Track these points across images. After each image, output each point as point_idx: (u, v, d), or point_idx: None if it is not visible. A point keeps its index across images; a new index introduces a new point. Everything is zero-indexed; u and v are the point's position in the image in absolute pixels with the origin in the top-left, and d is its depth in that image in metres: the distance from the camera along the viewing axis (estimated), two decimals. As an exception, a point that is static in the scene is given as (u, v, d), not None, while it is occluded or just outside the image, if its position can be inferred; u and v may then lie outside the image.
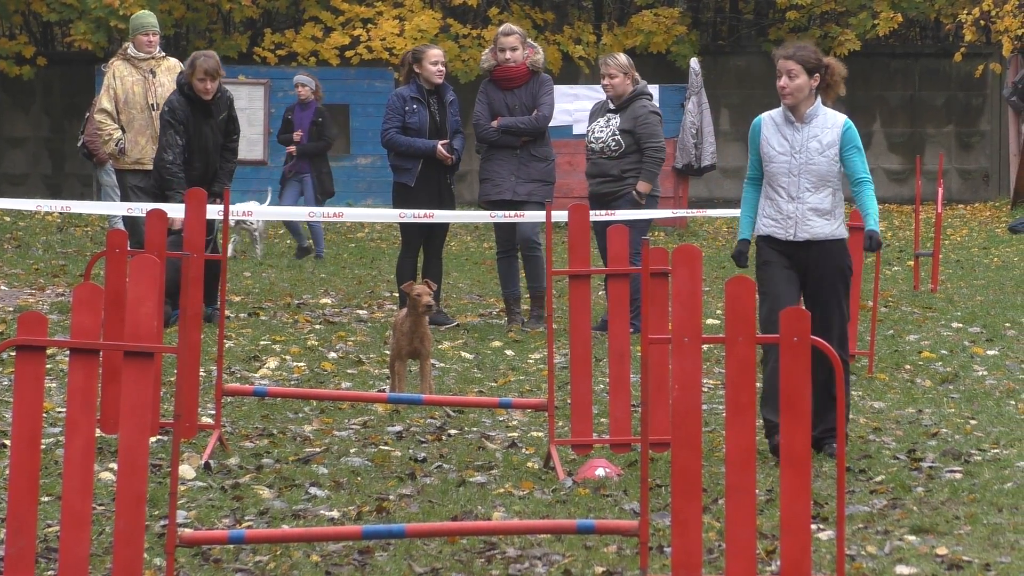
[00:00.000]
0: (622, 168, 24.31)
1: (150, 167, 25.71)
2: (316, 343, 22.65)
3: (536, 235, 25.12)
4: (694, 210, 31.99)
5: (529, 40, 27.31)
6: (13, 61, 44.76)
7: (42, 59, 45.26)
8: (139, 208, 23.96)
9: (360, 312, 26.02)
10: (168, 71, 26.38)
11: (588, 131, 24.24)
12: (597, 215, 20.40)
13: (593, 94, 28.17)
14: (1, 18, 45.04)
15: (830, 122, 11.64)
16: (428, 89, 25.11)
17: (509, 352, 22.05)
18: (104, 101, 25.92)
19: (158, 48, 26.23)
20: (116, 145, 25.71)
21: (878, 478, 14.66)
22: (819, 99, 11.89)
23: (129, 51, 26.01)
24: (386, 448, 16.32)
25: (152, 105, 25.46)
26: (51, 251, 32.08)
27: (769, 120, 11.81)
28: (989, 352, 20.86)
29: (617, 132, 24.19)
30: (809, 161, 11.24)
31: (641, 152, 24.63)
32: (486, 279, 26.13)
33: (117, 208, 25.68)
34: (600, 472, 15.16)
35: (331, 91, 27.23)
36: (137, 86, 25.61)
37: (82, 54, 43.64)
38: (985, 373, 20.24)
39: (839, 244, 12.17)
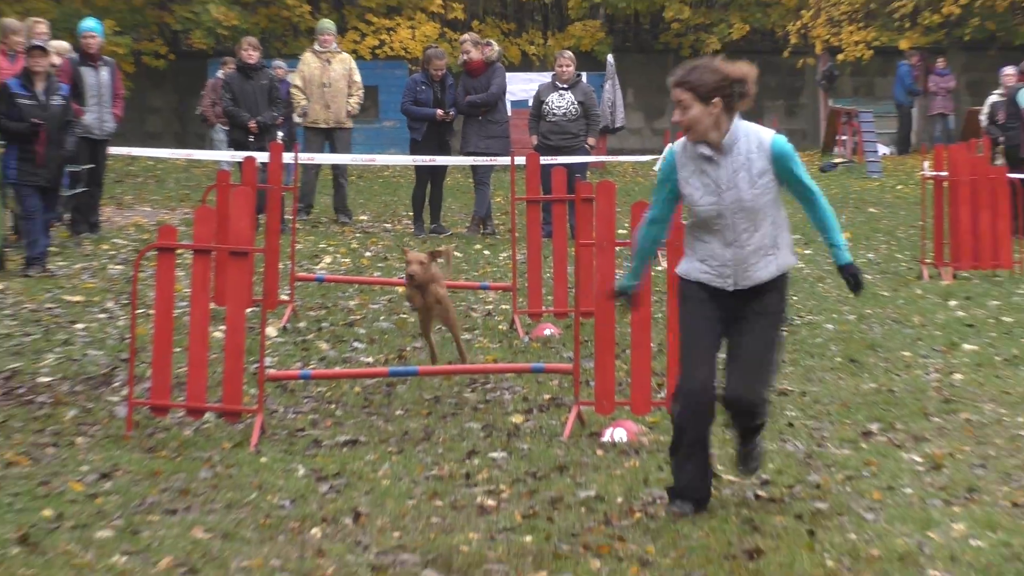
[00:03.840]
0: (577, 128, 24.17)
1: (323, 126, 25.73)
2: (356, 245, 22.48)
3: (487, 175, 25.00)
4: (610, 157, 31.69)
5: (490, 40, 27.59)
6: (152, 56, 44.57)
7: (172, 55, 45.03)
8: (232, 156, 24.00)
9: (386, 225, 25.80)
10: (341, 62, 26.16)
11: (545, 104, 24.13)
12: (546, 160, 20.25)
13: (541, 78, 28.03)
14: (144, 27, 44.84)
15: (755, 144, 8.04)
16: (434, 77, 25.10)
17: (486, 252, 21.95)
18: (296, 79, 25.76)
19: (333, 44, 26.15)
20: (301, 110, 25.67)
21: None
22: (736, 118, 8.17)
23: (315, 46, 25.92)
24: (404, 317, 16.26)
25: (325, 83, 25.27)
26: (179, 185, 31.80)
27: (683, 154, 8.14)
28: (806, 251, 20.68)
29: (574, 103, 24.06)
30: (741, 198, 7.92)
31: (588, 117, 24.46)
32: (470, 203, 25.99)
33: (222, 155, 25.50)
34: (547, 332, 15.19)
35: (366, 77, 27.06)
36: (316, 70, 25.36)
37: (198, 52, 43.47)
38: (803, 265, 20.14)
39: (782, 280, 8.49)
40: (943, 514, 9.06)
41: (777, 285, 8.38)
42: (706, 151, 8.09)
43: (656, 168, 26.72)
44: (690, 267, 8.43)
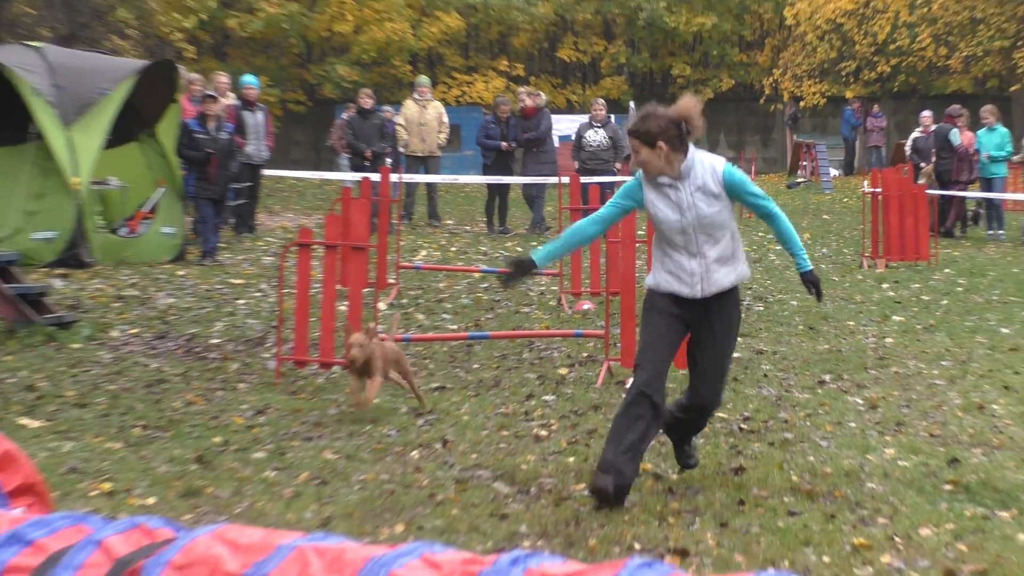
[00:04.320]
0: (608, 156, 24.14)
1: (420, 154, 25.50)
2: (444, 242, 22.46)
3: (542, 191, 25.00)
4: (631, 177, 31.57)
5: (539, 92, 27.54)
6: (295, 103, 44.57)
7: (309, 102, 45.02)
8: (353, 177, 24.03)
9: (466, 227, 25.78)
10: (433, 107, 26.03)
11: (584, 138, 24.16)
12: (585, 180, 20.18)
13: (580, 119, 27.98)
14: (289, 81, 44.90)
15: (709, 171, 7.43)
16: (501, 118, 25.08)
17: (540, 247, 21.92)
18: (400, 119, 25.53)
19: (428, 94, 26.09)
20: (403, 142, 25.48)
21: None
22: (691, 149, 7.53)
23: (414, 95, 25.84)
24: (480, 295, 16.24)
25: (422, 123, 25.20)
26: (314, 198, 31.84)
27: (648, 179, 7.55)
28: (776, 248, 20.63)
29: (605, 137, 24.05)
30: (700, 216, 7.38)
31: (615, 148, 24.40)
32: (529, 212, 26.02)
33: (346, 176, 25.48)
34: (585, 306, 15.14)
35: (451, 118, 27.15)
36: (415, 113, 25.27)
37: (328, 99, 43.35)
38: (775, 258, 20.09)
39: (737, 290, 7.89)
40: (878, 442, 9.09)
41: (734, 294, 7.75)
42: (665, 180, 7.48)
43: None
44: (660, 279, 7.63)
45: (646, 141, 7.42)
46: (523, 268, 7.93)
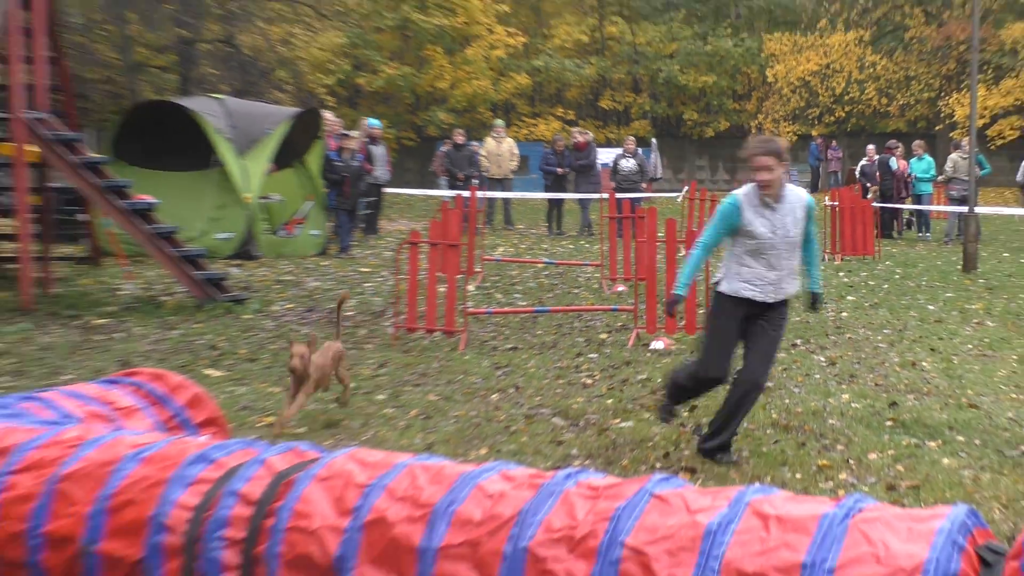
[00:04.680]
0: (637, 178, 23.97)
1: (498, 177, 25.24)
2: (516, 241, 22.34)
3: (588, 204, 24.85)
4: (653, 194, 31.26)
5: (587, 131, 27.42)
6: (407, 139, 44.51)
7: (417, 138, 44.98)
8: (449, 193, 23.98)
9: (533, 230, 25.55)
10: (507, 142, 25.81)
11: (618, 165, 24.06)
12: (620, 196, 20.05)
13: (616, 151, 27.78)
14: (403, 123, 44.86)
15: (796, 199, 6.82)
16: (557, 151, 25.01)
17: (587, 245, 21.77)
18: (483, 151, 25.38)
19: (503, 132, 25.88)
20: (485, 169, 25.14)
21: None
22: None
23: (492, 133, 25.64)
24: (543, 280, 16.17)
25: (499, 154, 25.10)
26: (421, 209, 31.64)
27: (746, 202, 6.74)
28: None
29: (636, 164, 23.95)
30: (787, 235, 6.73)
31: (642, 172, 24.32)
32: (579, 219, 25.94)
33: (444, 193, 25.38)
34: (620, 288, 15.02)
35: (520, 150, 27.06)
36: (494, 147, 25.00)
37: (431, 137, 43.08)
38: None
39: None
40: (836, 389, 9.00)
41: (789, 300, 6.99)
42: (769, 200, 6.68)
43: (679, 200, 26.58)
44: (736, 287, 6.79)
45: (781, 157, 6.74)
46: (675, 301, 7.15)
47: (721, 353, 6.89)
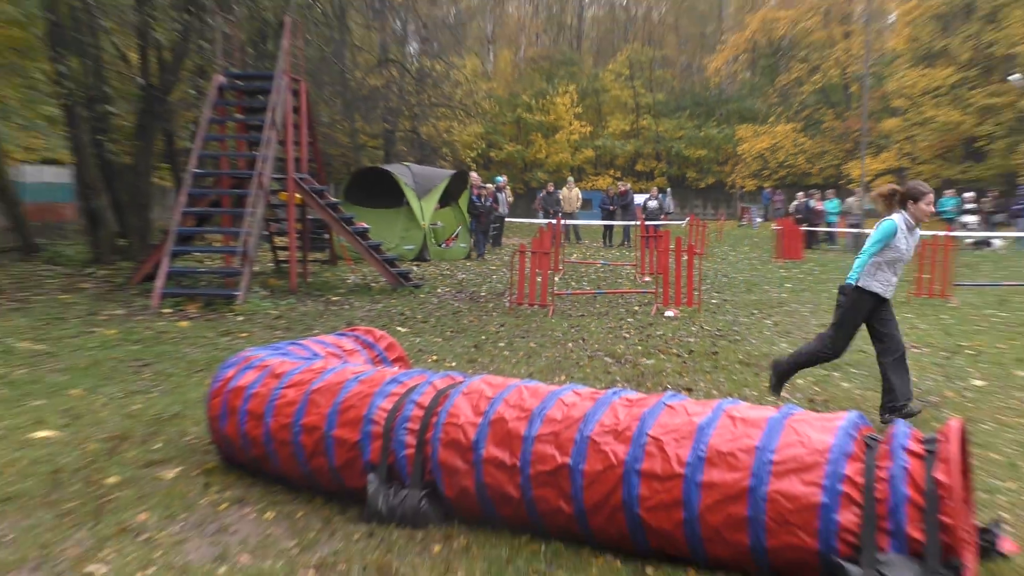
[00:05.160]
0: (657, 212, 23.51)
1: (569, 211, 24.11)
2: (584, 250, 22.09)
3: (627, 228, 24.33)
4: (667, 222, 30.57)
5: (626, 182, 26.80)
6: (520, 187, 43.52)
7: (524, 188, 43.95)
8: (543, 222, 23.64)
9: (593, 243, 25.27)
10: (575, 190, 24.37)
11: (646, 204, 23.66)
12: (647, 223, 19.76)
13: (644, 195, 27.31)
14: (518, 179, 44.51)
15: (917, 227, 5.58)
16: (609, 196, 24.73)
17: (627, 253, 21.46)
18: (561, 196, 24.26)
19: (572, 183, 24.01)
20: (563, 206, 24.19)
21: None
22: None
23: (566, 184, 24.60)
24: (601, 274, 15.90)
25: (570, 199, 23.86)
26: (526, 231, 30.73)
27: (903, 226, 5.53)
28: (734, 253, 19.88)
29: (658, 204, 23.55)
30: (910, 254, 5.61)
31: (661, 208, 23.89)
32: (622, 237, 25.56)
33: (540, 221, 24.96)
34: (647, 279, 14.68)
35: (585, 195, 26.72)
36: (567, 192, 23.62)
37: (533, 187, 41.59)
38: (732, 258, 19.36)
39: None
40: (779, 341, 8.67)
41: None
42: (913, 226, 5.54)
43: (683, 226, 26.03)
44: (874, 287, 5.57)
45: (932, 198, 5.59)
46: (845, 288, 5.64)
47: (847, 339, 5.72)
